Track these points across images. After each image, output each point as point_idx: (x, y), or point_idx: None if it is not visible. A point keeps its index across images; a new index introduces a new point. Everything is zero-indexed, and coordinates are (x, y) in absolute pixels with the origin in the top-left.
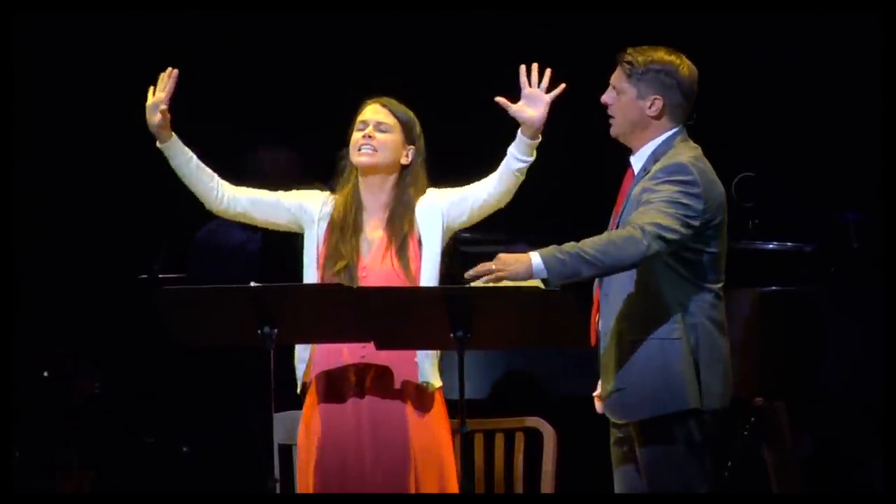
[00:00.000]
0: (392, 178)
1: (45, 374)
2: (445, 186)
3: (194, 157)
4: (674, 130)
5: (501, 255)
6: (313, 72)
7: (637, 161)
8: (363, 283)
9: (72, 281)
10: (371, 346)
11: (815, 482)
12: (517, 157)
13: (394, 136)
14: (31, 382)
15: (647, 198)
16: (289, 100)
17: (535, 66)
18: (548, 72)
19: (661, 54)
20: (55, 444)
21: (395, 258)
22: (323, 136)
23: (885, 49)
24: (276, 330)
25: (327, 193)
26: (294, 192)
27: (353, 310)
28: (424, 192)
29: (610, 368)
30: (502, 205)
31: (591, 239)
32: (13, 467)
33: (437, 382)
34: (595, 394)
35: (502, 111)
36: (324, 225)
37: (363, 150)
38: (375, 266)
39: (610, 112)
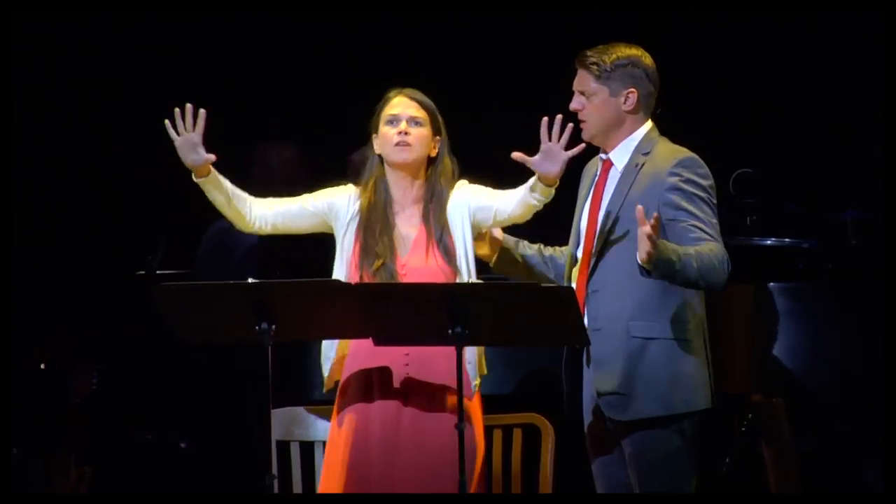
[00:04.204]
0: (422, 171)
1: (42, 366)
2: (463, 179)
3: (230, 187)
4: (649, 125)
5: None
6: (320, 69)
7: (619, 157)
8: (403, 280)
9: (70, 277)
10: (414, 352)
11: (813, 479)
12: (535, 195)
13: (425, 130)
14: (29, 379)
15: (687, 206)
16: (295, 97)
17: (557, 118)
18: (569, 127)
19: (622, 49)
20: (53, 441)
21: (438, 254)
22: (330, 132)
23: (886, 46)
24: (273, 326)
25: (353, 188)
26: (320, 192)
27: (351, 306)
28: (455, 181)
29: (612, 365)
30: (522, 221)
31: (696, 250)
32: (11, 464)
33: (478, 380)
34: None
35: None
36: (354, 224)
37: (400, 147)
38: (418, 264)
39: (581, 117)
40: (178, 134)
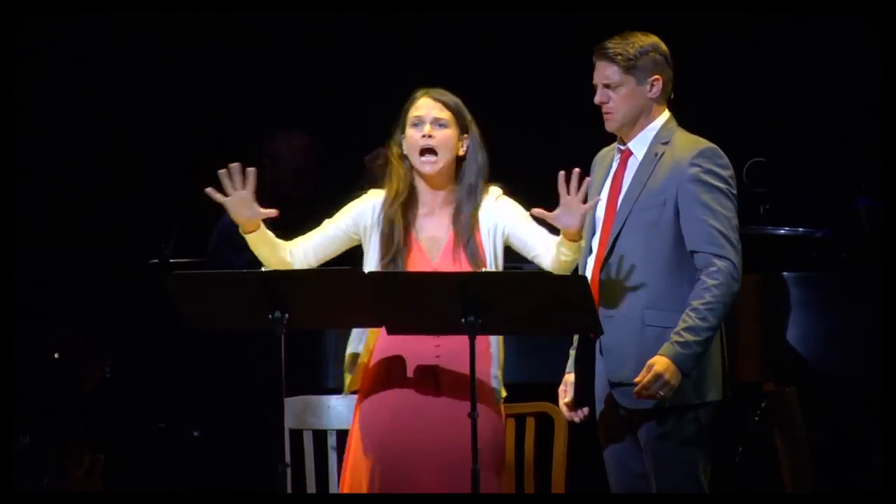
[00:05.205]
0: (451, 173)
1: (56, 355)
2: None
3: (273, 239)
4: (667, 115)
5: (653, 379)
6: (330, 63)
7: (638, 146)
8: None
9: (83, 265)
10: (445, 345)
11: (826, 468)
12: (564, 252)
13: (450, 131)
14: (42, 367)
15: (707, 200)
16: (307, 89)
17: (575, 171)
18: (586, 181)
19: (641, 37)
20: (67, 429)
21: (465, 258)
22: (340, 124)
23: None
24: (286, 315)
25: (375, 195)
26: (341, 212)
27: (364, 295)
28: (487, 181)
29: (625, 354)
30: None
31: (698, 303)
32: (22, 452)
33: (503, 392)
34: (566, 400)
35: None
36: (378, 231)
37: (426, 158)
38: (447, 267)
39: (608, 109)
40: (225, 195)
